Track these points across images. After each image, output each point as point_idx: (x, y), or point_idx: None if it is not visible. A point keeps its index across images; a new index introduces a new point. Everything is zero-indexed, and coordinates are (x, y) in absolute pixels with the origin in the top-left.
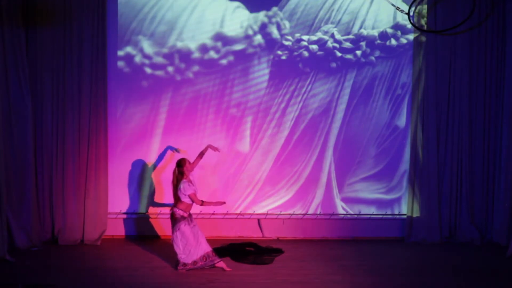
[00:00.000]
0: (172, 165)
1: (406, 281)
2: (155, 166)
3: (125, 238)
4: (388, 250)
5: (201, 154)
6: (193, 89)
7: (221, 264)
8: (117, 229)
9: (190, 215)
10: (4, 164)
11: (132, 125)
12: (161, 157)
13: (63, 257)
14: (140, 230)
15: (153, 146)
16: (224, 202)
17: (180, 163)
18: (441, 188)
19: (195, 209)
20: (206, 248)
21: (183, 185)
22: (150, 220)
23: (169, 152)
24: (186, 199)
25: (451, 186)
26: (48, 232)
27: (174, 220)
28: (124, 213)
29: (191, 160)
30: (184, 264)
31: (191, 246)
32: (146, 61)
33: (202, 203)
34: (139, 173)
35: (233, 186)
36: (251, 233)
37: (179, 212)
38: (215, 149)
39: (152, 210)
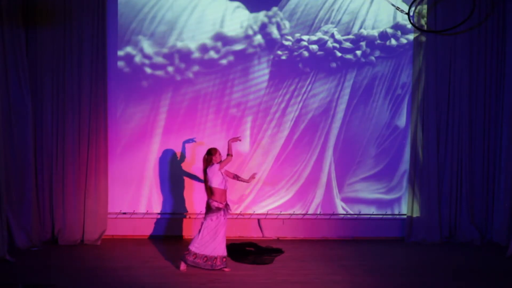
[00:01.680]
0: (173, 164)
1: (406, 281)
2: (161, 164)
3: (125, 238)
4: (388, 250)
5: (229, 154)
6: (193, 89)
7: (225, 269)
8: (117, 229)
9: (227, 205)
10: (4, 164)
11: (132, 125)
12: (183, 152)
13: (63, 257)
14: (140, 230)
15: (153, 146)
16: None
17: (210, 152)
18: (441, 188)
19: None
20: (222, 252)
21: (212, 167)
22: (151, 220)
23: (190, 145)
24: (217, 184)
25: (451, 186)
26: (48, 232)
27: (209, 209)
28: (124, 213)
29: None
30: (195, 255)
31: (206, 240)
32: (146, 61)
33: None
34: (139, 173)
35: (233, 186)
36: (251, 233)
37: (214, 204)
38: (237, 139)
39: (152, 210)
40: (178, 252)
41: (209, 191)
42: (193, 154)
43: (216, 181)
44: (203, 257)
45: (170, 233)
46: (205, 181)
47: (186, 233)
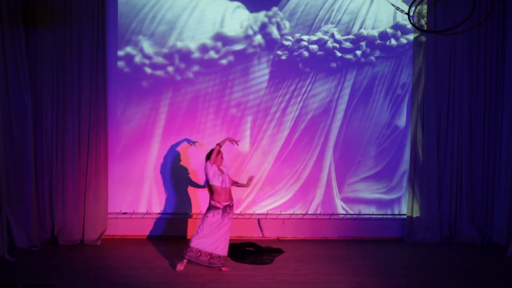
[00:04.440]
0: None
1: (406, 281)
2: (159, 163)
3: (125, 238)
4: (388, 250)
5: (218, 144)
6: (193, 89)
7: (223, 268)
8: (117, 229)
9: (227, 207)
10: (5, 164)
11: (132, 125)
12: (175, 145)
13: (63, 257)
14: (140, 230)
15: (153, 146)
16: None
17: (211, 151)
18: (441, 188)
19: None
20: (222, 252)
21: (205, 164)
22: (151, 220)
23: (184, 143)
24: (214, 181)
25: (451, 186)
26: (48, 232)
27: (208, 208)
28: (124, 213)
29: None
30: (191, 249)
31: (205, 234)
32: (146, 61)
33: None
34: (139, 173)
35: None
36: (251, 233)
37: (212, 203)
38: (234, 142)
39: (152, 210)
40: (178, 252)
41: (209, 189)
42: (195, 154)
43: (212, 178)
44: (197, 251)
45: (170, 233)
46: (207, 179)
47: (186, 233)
